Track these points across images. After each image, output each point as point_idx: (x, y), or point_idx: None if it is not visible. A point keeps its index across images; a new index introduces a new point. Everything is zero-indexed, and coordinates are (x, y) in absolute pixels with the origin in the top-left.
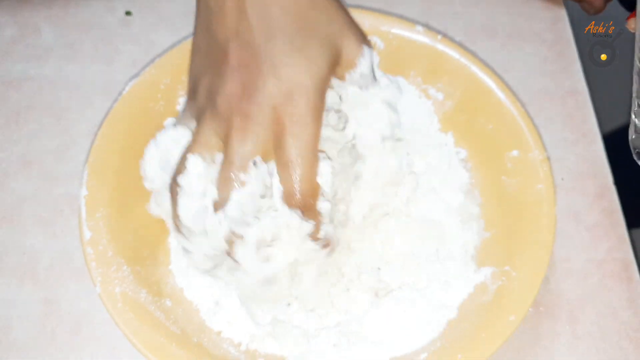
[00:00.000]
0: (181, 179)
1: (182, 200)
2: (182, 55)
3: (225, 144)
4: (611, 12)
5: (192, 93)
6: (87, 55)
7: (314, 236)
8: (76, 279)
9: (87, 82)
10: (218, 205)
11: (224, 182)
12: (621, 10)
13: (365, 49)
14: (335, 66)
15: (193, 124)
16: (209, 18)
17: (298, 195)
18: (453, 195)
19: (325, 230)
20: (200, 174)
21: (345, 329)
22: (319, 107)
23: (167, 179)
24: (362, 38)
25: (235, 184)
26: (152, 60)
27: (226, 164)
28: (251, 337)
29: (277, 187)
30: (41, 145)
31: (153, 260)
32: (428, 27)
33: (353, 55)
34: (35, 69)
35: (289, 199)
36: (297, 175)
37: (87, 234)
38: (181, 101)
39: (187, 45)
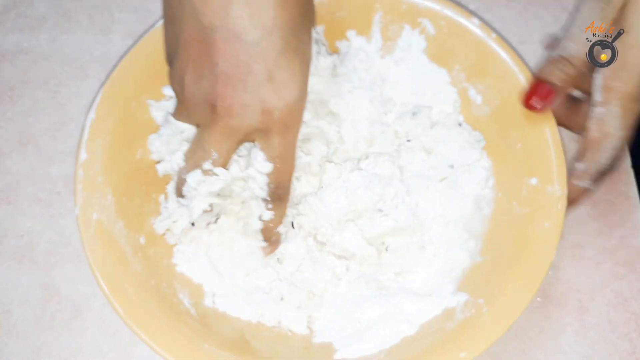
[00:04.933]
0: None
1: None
2: None
3: (206, 136)
4: None
5: (177, 92)
6: (82, 25)
7: (272, 229)
8: (75, 263)
9: (83, 53)
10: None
11: (194, 164)
12: None
13: None
14: None
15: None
16: None
17: (278, 187)
18: (464, 205)
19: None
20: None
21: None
22: (304, 107)
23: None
24: None
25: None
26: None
27: (202, 153)
28: (213, 294)
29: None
30: (36, 122)
31: (144, 195)
32: None
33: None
34: (29, 40)
35: (273, 188)
36: (283, 171)
37: (83, 156)
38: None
39: None
